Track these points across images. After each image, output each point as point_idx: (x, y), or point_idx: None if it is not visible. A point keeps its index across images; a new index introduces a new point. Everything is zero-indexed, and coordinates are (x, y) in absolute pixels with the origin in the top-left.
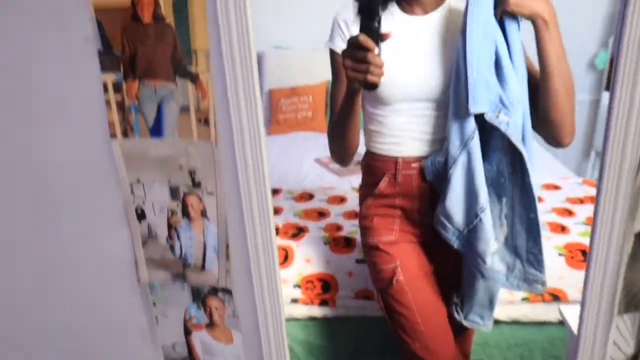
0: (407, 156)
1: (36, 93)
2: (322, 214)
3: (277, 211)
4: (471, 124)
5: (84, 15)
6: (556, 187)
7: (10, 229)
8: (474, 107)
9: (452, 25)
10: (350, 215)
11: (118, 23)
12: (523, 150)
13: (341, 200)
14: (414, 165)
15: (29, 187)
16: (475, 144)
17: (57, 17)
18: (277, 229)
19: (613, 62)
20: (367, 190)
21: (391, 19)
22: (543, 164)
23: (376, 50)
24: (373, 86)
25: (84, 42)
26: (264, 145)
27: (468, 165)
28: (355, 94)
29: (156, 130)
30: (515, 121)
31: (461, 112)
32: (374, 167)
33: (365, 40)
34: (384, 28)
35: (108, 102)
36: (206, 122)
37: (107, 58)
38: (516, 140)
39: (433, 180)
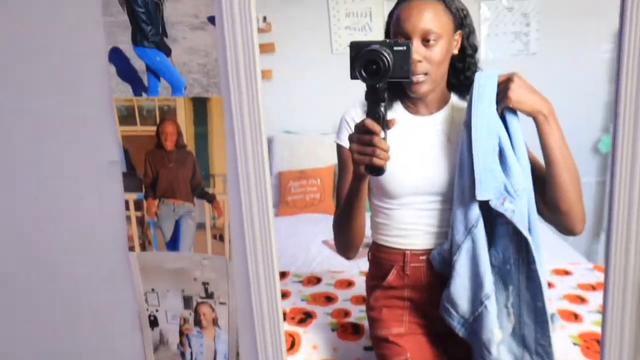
0: (415, 249)
1: (65, 208)
2: (329, 299)
3: (284, 295)
4: (475, 212)
5: (112, 142)
6: (567, 273)
7: (32, 327)
8: (481, 195)
9: (456, 122)
10: (357, 300)
11: (143, 149)
12: (529, 237)
13: (349, 284)
14: (422, 257)
15: (52, 291)
16: (480, 231)
17: (87, 142)
18: (284, 314)
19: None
20: (374, 282)
21: (399, 120)
22: (552, 248)
23: (382, 135)
24: (379, 170)
25: (110, 165)
26: (276, 262)
27: (472, 252)
28: (361, 181)
29: (173, 244)
30: (520, 209)
31: (465, 199)
32: (382, 259)
33: (372, 123)
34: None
35: (128, 218)
36: (221, 238)
37: (131, 179)
38: (522, 227)
39: (441, 269)
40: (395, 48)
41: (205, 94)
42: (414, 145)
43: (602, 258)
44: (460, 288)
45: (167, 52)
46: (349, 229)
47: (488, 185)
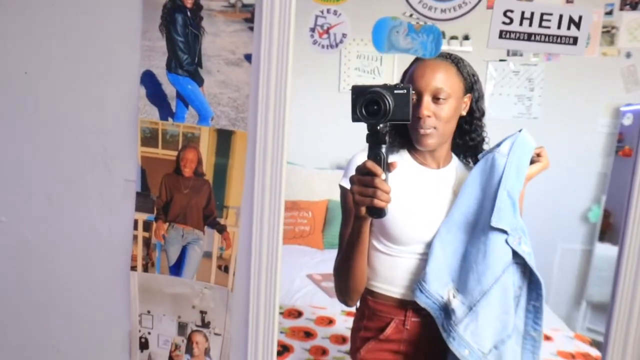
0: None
1: (74, 218)
2: (308, 335)
3: None
4: (509, 251)
5: (132, 161)
6: (547, 338)
7: (18, 333)
8: (496, 222)
9: (459, 179)
10: (337, 339)
11: (160, 172)
12: (541, 279)
13: (330, 322)
14: (424, 312)
15: (47, 297)
16: (512, 268)
17: (106, 157)
18: None
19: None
20: (367, 333)
21: (406, 168)
22: None
23: (383, 176)
24: (380, 212)
25: (126, 183)
26: (277, 298)
27: (506, 288)
28: (362, 223)
29: (176, 269)
30: (531, 252)
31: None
32: (381, 311)
33: (372, 165)
34: (397, 172)
35: (135, 238)
36: (226, 269)
37: (144, 200)
38: (535, 269)
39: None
40: (395, 91)
41: (232, 127)
42: (421, 194)
43: (581, 326)
44: (489, 322)
45: (200, 82)
46: (350, 273)
47: (506, 214)
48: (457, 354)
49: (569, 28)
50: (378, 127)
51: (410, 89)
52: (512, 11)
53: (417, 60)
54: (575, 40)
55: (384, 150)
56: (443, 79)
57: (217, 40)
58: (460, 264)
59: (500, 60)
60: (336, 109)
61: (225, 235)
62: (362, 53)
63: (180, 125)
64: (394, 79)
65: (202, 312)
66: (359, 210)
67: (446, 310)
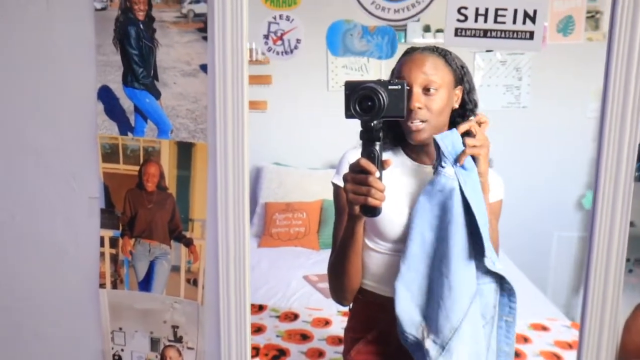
0: None
1: (39, 237)
2: (305, 337)
3: (259, 330)
4: (474, 276)
5: (93, 178)
6: (544, 328)
7: None
8: (490, 255)
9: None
10: (333, 340)
11: (123, 188)
12: (514, 288)
13: (326, 323)
14: None
15: (16, 318)
16: (477, 294)
17: (68, 175)
18: (257, 350)
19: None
20: (358, 334)
21: (400, 165)
22: (531, 301)
23: (377, 175)
24: (374, 211)
25: (90, 200)
26: (248, 310)
27: (476, 315)
28: (357, 222)
29: (145, 285)
30: (501, 267)
31: (463, 265)
32: (370, 309)
33: (366, 163)
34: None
35: (102, 255)
36: (195, 283)
37: (109, 216)
38: (511, 281)
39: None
40: (390, 87)
41: (192, 139)
42: (415, 192)
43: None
44: (463, 358)
45: (157, 95)
46: (345, 272)
47: (488, 244)
48: None
49: (524, 23)
50: (372, 124)
51: (405, 84)
52: (466, 8)
53: (403, 55)
54: (531, 35)
55: (377, 147)
56: (432, 70)
57: (171, 52)
58: (427, 301)
59: (487, 51)
60: (326, 108)
61: (192, 248)
62: None
63: (140, 140)
64: (382, 75)
65: (174, 327)
66: (353, 209)
67: (422, 349)
